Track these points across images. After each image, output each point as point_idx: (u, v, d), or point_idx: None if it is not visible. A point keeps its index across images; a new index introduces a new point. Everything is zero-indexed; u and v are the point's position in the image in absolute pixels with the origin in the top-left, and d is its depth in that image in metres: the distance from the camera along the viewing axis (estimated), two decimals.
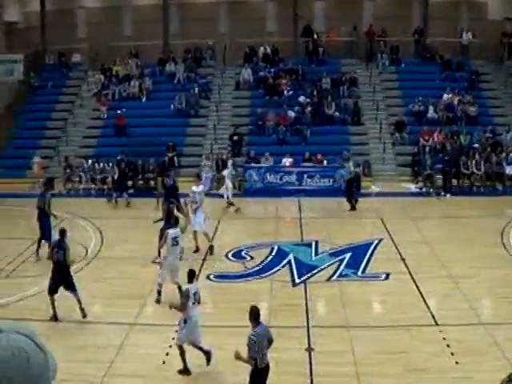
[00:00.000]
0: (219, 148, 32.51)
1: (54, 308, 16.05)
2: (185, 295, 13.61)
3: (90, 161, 31.63)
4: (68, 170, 31.29)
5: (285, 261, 20.04)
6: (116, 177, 29.55)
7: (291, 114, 34.07)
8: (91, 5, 42.78)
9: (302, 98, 34.84)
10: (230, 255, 20.79)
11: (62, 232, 16.65)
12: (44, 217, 21.22)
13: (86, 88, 38.35)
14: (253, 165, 30.27)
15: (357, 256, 20.30)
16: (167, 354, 14.03)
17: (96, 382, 13.00)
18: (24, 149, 34.43)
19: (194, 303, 13.55)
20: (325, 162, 30.39)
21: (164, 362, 13.72)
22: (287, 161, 30.46)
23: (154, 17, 39.60)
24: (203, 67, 38.60)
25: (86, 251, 21.86)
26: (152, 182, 30.42)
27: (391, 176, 31.52)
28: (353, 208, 26.47)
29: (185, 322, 13.44)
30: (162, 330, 15.49)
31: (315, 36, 38.78)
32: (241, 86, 36.83)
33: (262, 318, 15.57)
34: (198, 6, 40.80)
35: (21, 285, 18.95)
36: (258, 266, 19.79)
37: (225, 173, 27.23)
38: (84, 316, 16.17)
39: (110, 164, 31.06)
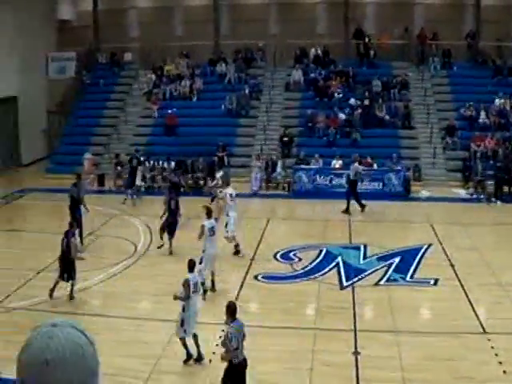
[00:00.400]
0: (269, 149, 32.53)
1: (53, 288, 17.34)
2: (186, 285, 14.09)
3: (142, 158, 31.79)
4: (118, 168, 31.59)
5: (333, 263, 20.04)
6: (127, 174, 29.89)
7: (341, 116, 33.96)
8: (143, 5, 43.14)
9: (352, 101, 34.69)
10: (278, 256, 20.83)
11: (71, 224, 18.42)
12: (75, 207, 21.94)
13: (137, 87, 38.70)
14: (302, 166, 30.21)
15: (405, 261, 20.18)
16: (214, 353, 14.09)
17: (143, 378, 13.15)
18: (75, 145, 34.87)
19: (194, 292, 14.23)
20: (375, 165, 30.21)
21: (210, 361, 13.79)
22: (337, 163, 30.36)
23: (204, 17, 39.79)
24: (253, 68, 38.67)
25: (135, 248, 22.08)
26: (201, 182, 30.56)
27: (441, 181, 31.18)
28: (363, 207, 26.50)
29: (183, 309, 14.04)
30: (209, 328, 15.53)
31: (366, 38, 38.62)
32: (291, 87, 36.82)
33: (309, 320, 15.71)
34: (248, 7, 40.90)
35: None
36: (305, 267, 19.80)
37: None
38: (71, 298, 17.35)
39: (160, 162, 31.30)
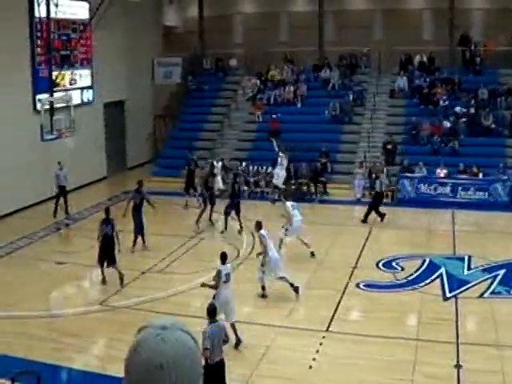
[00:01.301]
0: (372, 156, 32.35)
1: (102, 274, 19.47)
2: (217, 274, 15.46)
3: (244, 163, 32.18)
4: (223, 172, 31.95)
5: (436, 274, 19.77)
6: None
7: (446, 124, 33.48)
8: (248, 10, 43.54)
9: (458, 109, 34.11)
10: (380, 265, 20.72)
11: (107, 210, 20.09)
12: (138, 212, 22.58)
13: (242, 92, 39.03)
14: (406, 174, 29.93)
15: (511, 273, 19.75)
16: (314, 360, 14.18)
17: (243, 381, 13.32)
18: (180, 149, 35.45)
19: (225, 282, 15.36)
20: (480, 174, 29.64)
21: (310, 367, 13.88)
22: (441, 172, 29.93)
23: (309, 23, 39.80)
24: (358, 74, 38.50)
25: (238, 252, 22.35)
26: (304, 187, 30.63)
27: None
28: (382, 216, 26.07)
29: (213, 297, 15.25)
30: (311, 334, 15.67)
31: (472, 45, 37.96)
32: (396, 94, 36.51)
33: (411, 331, 15.61)
34: (353, 13, 40.76)
35: (172, 281, 19.67)
36: (408, 277, 19.63)
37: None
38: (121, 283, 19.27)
39: (264, 167, 31.55)
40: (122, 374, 2.12)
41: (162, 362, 1.94)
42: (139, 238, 22.73)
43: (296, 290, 17.91)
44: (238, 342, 15.21)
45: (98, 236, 19.52)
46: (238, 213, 25.11)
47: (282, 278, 18.11)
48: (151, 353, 1.97)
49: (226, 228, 25.03)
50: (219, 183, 29.15)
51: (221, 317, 14.94)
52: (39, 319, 17.44)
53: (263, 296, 18.21)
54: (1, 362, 13.19)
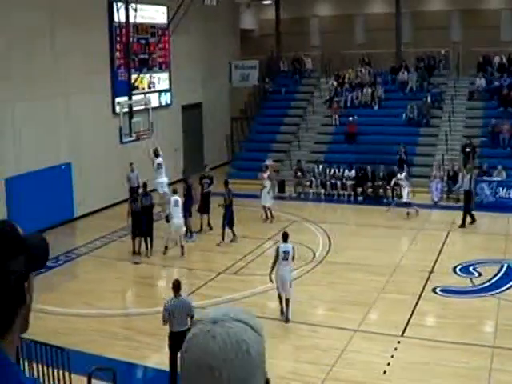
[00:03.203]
0: (450, 159, 31.91)
1: (138, 245, 22.68)
2: (276, 251, 17.05)
3: (320, 166, 32.17)
4: (299, 174, 32.04)
5: None
6: None
7: None
8: (324, 13, 43.53)
9: None
10: (457, 270, 20.45)
11: (144, 185, 23.10)
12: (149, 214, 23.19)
13: (318, 94, 39.01)
14: (485, 178, 29.42)
15: None
16: (388, 364, 14.11)
17: None
18: (257, 152, 35.68)
19: (283, 259, 16.72)
20: None
21: (385, 372, 13.81)
22: None
23: (386, 25, 39.55)
24: (435, 76, 38.03)
25: (314, 255, 22.37)
26: (381, 191, 30.45)
27: None
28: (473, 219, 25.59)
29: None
30: (385, 339, 15.58)
31: None
32: (474, 96, 35.94)
33: (487, 337, 15.36)
34: (430, 14, 40.34)
35: (249, 282, 19.82)
36: (485, 282, 19.30)
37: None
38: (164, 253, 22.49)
39: (341, 170, 31.48)
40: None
41: (212, 364, 1.84)
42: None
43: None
44: (287, 318, 16.69)
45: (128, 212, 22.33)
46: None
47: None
48: (200, 353, 1.87)
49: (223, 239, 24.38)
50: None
51: (281, 292, 16.93)
52: (116, 317, 17.84)
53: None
54: (78, 358, 13.47)
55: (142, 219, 22.48)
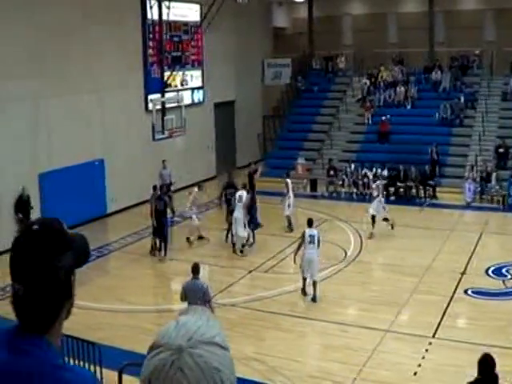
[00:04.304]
0: (483, 160, 31.63)
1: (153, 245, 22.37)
2: (302, 235, 18.36)
3: (352, 165, 32.07)
4: (331, 173, 31.97)
5: None
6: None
7: None
8: (357, 11, 43.33)
9: None
10: (490, 271, 20.26)
11: (161, 187, 23.20)
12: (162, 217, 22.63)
13: (351, 93, 38.88)
14: None
15: None
16: (419, 366, 14.03)
17: None
18: (289, 150, 35.65)
19: (309, 242, 17.95)
20: None
21: (415, 374, 13.74)
22: None
23: (419, 24, 39.27)
24: (469, 76, 37.70)
25: (345, 254, 22.32)
26: (413, 191, 30.28)
27: None
28: None
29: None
30: (416, 340, 15.51)
31: None
32: (508, 96, 35.60)
33: None
34: (464, 14, 39.96)
35: (280, 280, 19.83)
36: None
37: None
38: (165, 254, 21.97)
39: (373, 169, 31.38)
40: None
41: None
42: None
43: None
44: (314, 298, 17.93)
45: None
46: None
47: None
48: None
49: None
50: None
51: (306, 275, 18.20)
52: (148, 313, 17.93)
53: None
54: (110, 353, 13.54)
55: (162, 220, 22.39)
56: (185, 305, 14.05)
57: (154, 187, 23.21)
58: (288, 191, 25.43)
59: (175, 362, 1.68)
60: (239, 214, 22.42)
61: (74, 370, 2.16)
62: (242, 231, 22.33)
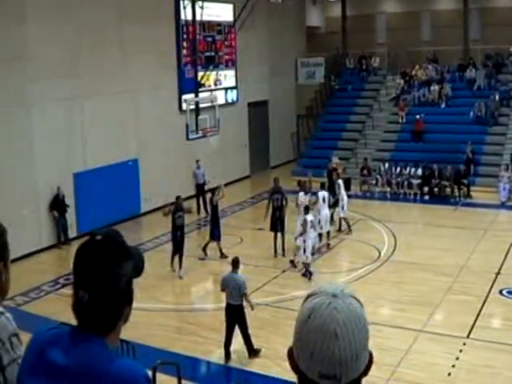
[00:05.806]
0: None
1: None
2: (304, 223, 19.80)
3: (386, 164, 31.98)
4: (365, 172, 31.91)
5: None
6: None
7: None
8: (391, 10, 43.20)
9: None
10: None
11: (178, 197, 21.41)
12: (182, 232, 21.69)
13: (385, 92, 38.74)
14: None
15: None
16: (453, 366, 13.96)
17: None
18: (322, 149, 35.60)
19: (311, 227, 20.01)
20: None
21: (449, 374, 13.66)
22: None
23: (453, 21, 39.09)
24: (504, 73, 37.35)
25: (379, 254, 22.26)
26: (448, 190, 30.10)
27: None
28: None
29: (304, 241, 19.75)
30: (450, 340, 15.41)
31: None
32: None
33: None
34: (498, 11, 39.61)
35: (313, 280, 19.76)
36: None
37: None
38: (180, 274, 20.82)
39: (407, 168, 31.26)
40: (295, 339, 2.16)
41: (337, 330, 2.01)
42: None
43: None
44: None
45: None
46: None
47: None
48: (325, 321, 2.03)
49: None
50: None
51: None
52: (182, 312, 18.05)
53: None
54: (144, 352, 13.65)
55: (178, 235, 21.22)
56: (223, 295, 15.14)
57: (177, 198, 21.56)
58: (340, 192, 24.61)
59: (332, 303, 2.06)
60: (326, 211, 23.00)
61: (131, 368, 2.37)
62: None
